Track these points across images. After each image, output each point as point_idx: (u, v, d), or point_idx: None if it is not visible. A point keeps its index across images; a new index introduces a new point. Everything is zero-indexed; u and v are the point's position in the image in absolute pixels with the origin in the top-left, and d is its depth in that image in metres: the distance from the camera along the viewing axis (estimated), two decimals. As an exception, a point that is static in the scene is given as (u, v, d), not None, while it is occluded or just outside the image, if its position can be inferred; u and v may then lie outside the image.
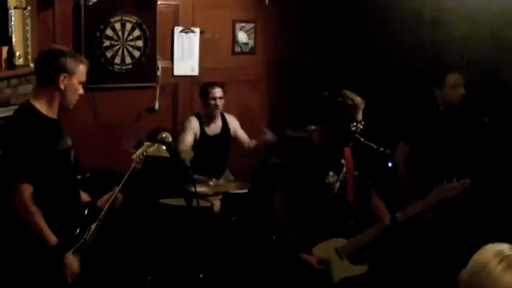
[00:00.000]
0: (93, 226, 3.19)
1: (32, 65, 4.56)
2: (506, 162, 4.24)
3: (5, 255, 3.04)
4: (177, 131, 5.34)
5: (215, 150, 5.04)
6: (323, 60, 6.02)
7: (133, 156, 3.29)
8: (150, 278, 3.85)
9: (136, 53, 5.31)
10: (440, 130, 4.07)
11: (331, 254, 3.31)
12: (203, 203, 4.24)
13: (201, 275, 3.97)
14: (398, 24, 5.29)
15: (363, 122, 3.27)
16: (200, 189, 4.40)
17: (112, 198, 3.24)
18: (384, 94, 5.11)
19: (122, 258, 3.57)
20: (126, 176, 3.22)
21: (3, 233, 3.05)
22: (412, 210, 3.33)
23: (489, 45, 4.57)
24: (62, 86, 3.03)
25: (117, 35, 5.19)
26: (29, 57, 4.50)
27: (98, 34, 5.07)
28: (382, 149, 3.26)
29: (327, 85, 3.57)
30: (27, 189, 2.89)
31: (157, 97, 5.53)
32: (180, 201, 4.09)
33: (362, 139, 3.26)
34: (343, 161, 3.41)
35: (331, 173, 3.37)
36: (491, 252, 1.57)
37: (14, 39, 4.33)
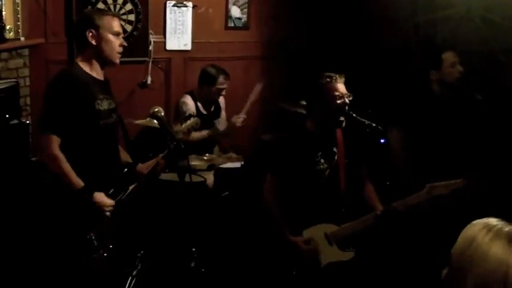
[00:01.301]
0: (131, 187, 3.27)
1: (22, 38, 4.53)
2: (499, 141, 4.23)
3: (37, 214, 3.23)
4: (170, 106, 5.33)
5: (208, 128, 5.00)
6: (318, 39, 5.98)
7: (181, 128, 3.37)
8: (142, 252, 3.86)
9: (128, 27, 5.27)
10: (438, 113, 4.00)
11: (320, 238, 3.35)
12: (196, 178, 4.25)
13: (193, 249, 3.99)
14: (394, 5, 5.25)
15: (349, 94, 3.31)
16: (193, 163, 4.42)
17: (154, 164, 3.35)
18: (379, 76, 5.11)
19: (114, 233, 3.58)
20: (169, 140, 3.27)
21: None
22: (404, 204, 3.35)
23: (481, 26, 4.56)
24: (93, 42, 3.13)
25: (109, 8, 5.12)
26: (20, 30, 4.47)
27: (89, 7, 5.01)
28: (374, 124, 3.28)
29: (317, 67, 3.58)
30: (54, 140, 3.01)
31: (149, 72, 5.51)
32: (173, 176, 4.09)
33: (354, 114, 3.29)
34: (335, 149, 3.44)
35: (322, 161, 3.39)
36: (478, 225, 1.59)
37: (4, 13, 4.29)
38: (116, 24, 3.19)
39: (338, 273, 3.33)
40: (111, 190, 3.18)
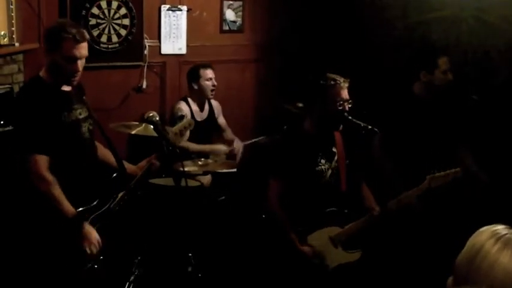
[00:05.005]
0: (120, 195, 3.21)
1: (16, 44, 4.51)
2: (494, 140, 4.22)
3: (24, 231, 3.07)
4: (165, 111, 5.31)
5: (202, 135, 4.94)
6: (312, 40, 5.98)
7: (173, 129, 3.29)
8: (139, 258, 3.84)
9: (123, 32, 5.26)
10: (424, 115, 3.99)
11: (325, 242, 3.36)
12: (192, 183, 4.24)
13: (190, 254, 3.98)
14: (388, 6, 5.25)
15: (350, 101, 3.29)
16: (188, 168, 4.40)
17: (148, 165, 3.29)
18: (373, 77, 5.10)
19: (111, 238, 3.57)
20: (164, 145, 3.22)
21: (22, 210, 3.07)
22: (405, 199, 3.35)
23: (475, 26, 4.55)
24: (48, 60, 3.01)
25: (103, 13, 5.12)
26: (14, 36, 4.44)
27: (83, 12, 5.00)
28: (370, 126, 3.28)
29: (312, 70, 3.56)
30: (42, 160, 2.89)
31: (144, 76, 5.49)
32: (168, 181, 4.07)
33: (350, 117, 3.28)
34: (334, 149, 3.43)
35: (322, 161, 3.39)
36: (486, 233, 1.53)
37: (-2, 18, 4.28)
38: (74, 50, 2.94)
39: (348, 274, 3.34)
40: (95, 202, 3.11)
